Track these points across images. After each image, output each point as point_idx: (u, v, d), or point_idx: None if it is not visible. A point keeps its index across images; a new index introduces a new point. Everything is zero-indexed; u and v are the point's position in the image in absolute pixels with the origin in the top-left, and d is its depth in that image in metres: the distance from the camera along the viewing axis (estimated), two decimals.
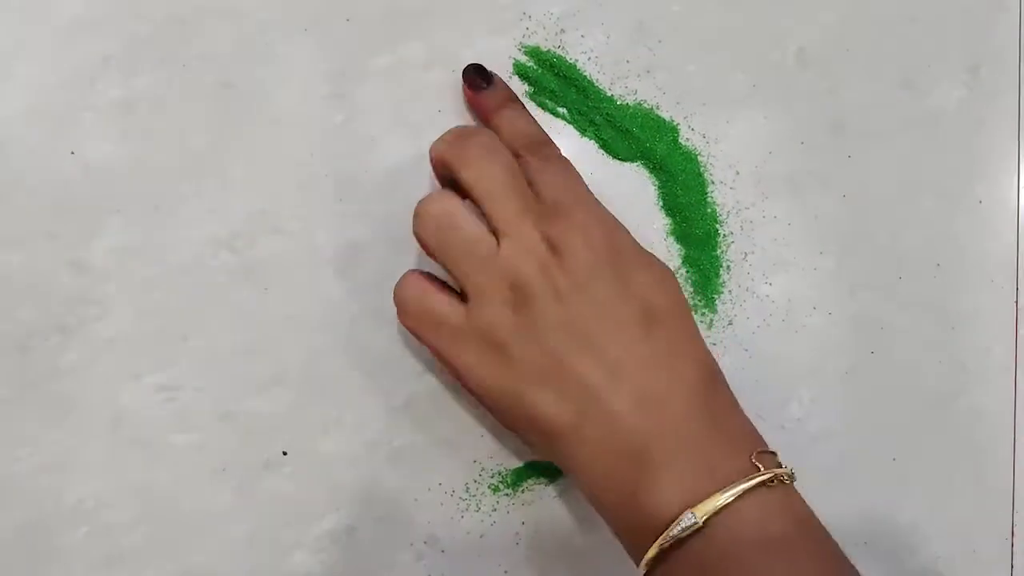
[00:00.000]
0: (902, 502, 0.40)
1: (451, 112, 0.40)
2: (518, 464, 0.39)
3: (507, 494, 0.39)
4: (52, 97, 0.39)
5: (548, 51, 0.40)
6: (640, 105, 0.40)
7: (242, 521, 0.38)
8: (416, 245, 0.34)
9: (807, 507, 0.31)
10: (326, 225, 0.39)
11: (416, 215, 0.34)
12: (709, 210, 0.40)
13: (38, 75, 0.39)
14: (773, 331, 0.40)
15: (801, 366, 0.40)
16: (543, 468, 0.39)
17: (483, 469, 0.39)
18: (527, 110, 0.38)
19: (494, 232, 0.33)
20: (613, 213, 0.35)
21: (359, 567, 0.38)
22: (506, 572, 0.38)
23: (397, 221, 0.39)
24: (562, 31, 0.41)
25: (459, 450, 0.39)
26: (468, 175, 0.33)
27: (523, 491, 0.39)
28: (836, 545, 0.31)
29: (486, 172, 0.33)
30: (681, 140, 0.40)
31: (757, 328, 0.40)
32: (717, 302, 0.40)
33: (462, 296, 0.34)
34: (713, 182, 0.40)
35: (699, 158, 0.40)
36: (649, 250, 0.35)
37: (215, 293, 0.38)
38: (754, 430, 0.33)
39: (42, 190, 0.39)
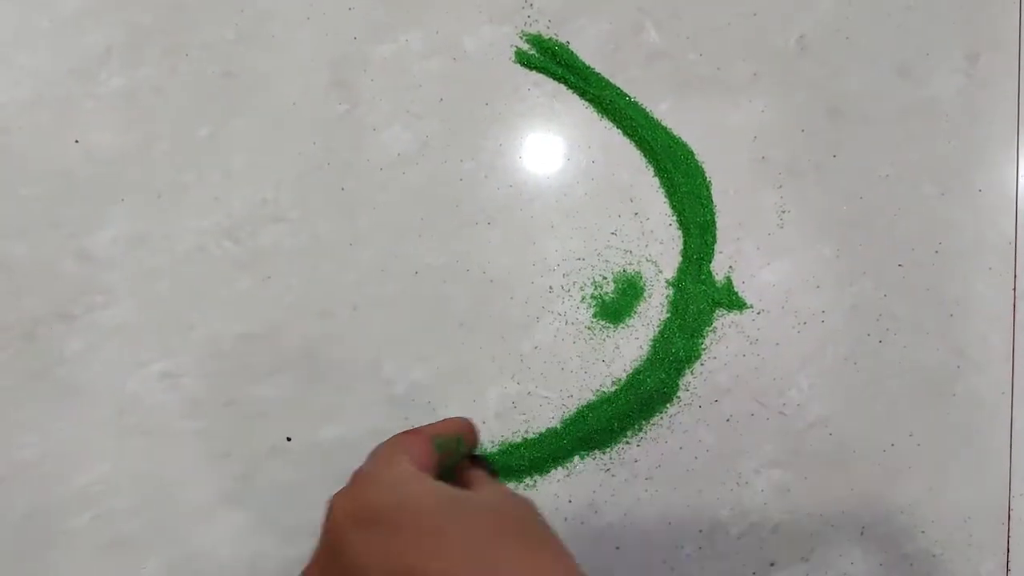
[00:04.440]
0: (900, 488, 0.40)
1: (452, 100, 0.40)
2: None
3: (507, 482, 0.39)
4: (55, 87, 0.39)
5: (549, 39, 0.40)
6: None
7: (246, 507, 0.38)
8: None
9: None
10: (328, 214, 0.39)
11: None
12: (708, 198, 0.40)
13: (41, 65, 0.39)
14: (773, 318, 0.40)
15: (800, 353, 0.40)
16: (541, 459, 0.39)
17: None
18: None
19: None
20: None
21: None
22: None
23: (398, 210, 0.40)
24: (564, 19, 0.41)
25: None
26: None
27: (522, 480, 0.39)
28: None
29: None
30: (680, 129, 0.41)
31: (757, 315, 0.40)
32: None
33: None
34: (713, 170, 0.41)
35: (699, 146, 0.41)
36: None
37: (218, 281, 0.39)
38: None
39: (46, 179, 0.39)
